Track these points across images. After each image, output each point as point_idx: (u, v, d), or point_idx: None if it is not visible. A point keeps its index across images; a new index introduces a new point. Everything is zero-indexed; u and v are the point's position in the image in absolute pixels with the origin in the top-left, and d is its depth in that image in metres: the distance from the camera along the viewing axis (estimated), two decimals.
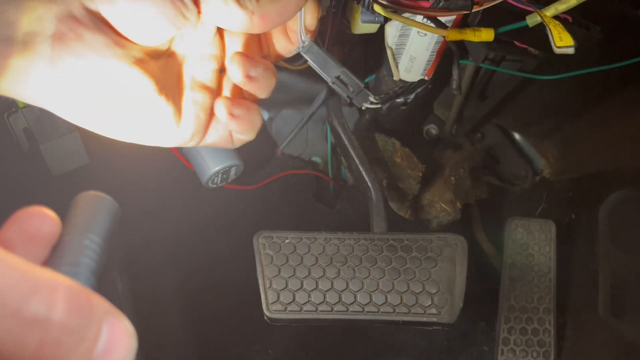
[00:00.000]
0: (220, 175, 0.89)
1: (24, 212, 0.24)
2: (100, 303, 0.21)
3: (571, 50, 0.39)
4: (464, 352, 0.97)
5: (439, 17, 0.47)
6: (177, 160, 0.97)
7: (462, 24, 0.50)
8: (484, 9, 0.54)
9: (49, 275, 0.20)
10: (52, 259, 0.24)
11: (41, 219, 0.24)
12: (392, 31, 0.69)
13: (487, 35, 0.45)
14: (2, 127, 0.83)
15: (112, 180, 1.00)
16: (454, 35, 0.44)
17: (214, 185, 0.91)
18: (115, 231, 0.27)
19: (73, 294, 0.20)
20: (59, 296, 0.20)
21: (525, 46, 0.72)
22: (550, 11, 0.42)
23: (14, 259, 0.20)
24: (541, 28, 0.41)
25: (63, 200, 0.95)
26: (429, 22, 0.47)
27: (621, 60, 0.70)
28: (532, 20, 0.42)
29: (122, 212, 0.27)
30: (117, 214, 0.27)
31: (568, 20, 0.50)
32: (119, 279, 0.95)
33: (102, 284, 0.26)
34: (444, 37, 0.44)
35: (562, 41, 0.39)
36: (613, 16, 0.69)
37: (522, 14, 0.45)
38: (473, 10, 0.43)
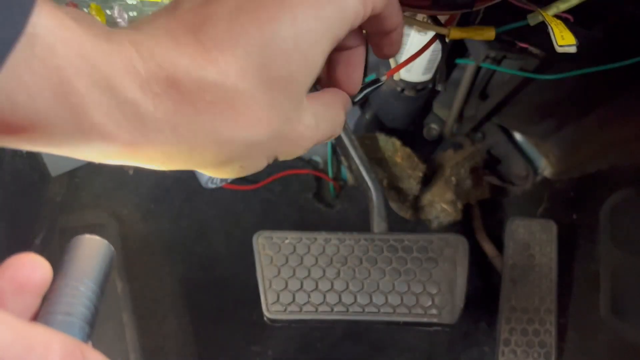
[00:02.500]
0: None
1: (14, 259, 0.23)
2: (94, 357, 0.22)
3: (573, 49, 0.39)
4: (464, 352, 0.97)
5: (438, 16, 0.47)
6: None
7: (464, 23, 0.50)
8: (485, 9, 0.54)
9: (42, 332, 0.20)
10: (46, 308, 0.24)
11: (32, 267, 0.23)
12: None
13: (488, 33, 0.45)
14: None
15: (111, 180, 1.00)
16: (456, 34, 0.44)
17: (214, 185, 0.91)
18: (109, 275, 0.26)
19: (67, 351, 0.20)
20: (53, 355, 0.20)
21: (526, 45, 0.71)
22: (552, 10, 0.42)
23: (7, 318, 0.20)
24: (542, 27, 0.41)
25: (61, 201, 0.95)
26: (429, 20, 0.47)
27: (622, 60, 0.70)
28: (533, 19, 0.42)
29: (121, 236, 0.27)
30: (112, 258, 0.27)
31: (569, 19, 0.50)
32: (118, 279, 0.95)
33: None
34: (445, 35, 0.44)
35: (564, 40, 0.38)
36: (613, 16, 0.69)
37: (524, 14, 0.45)
38: (474, 8, 0.43)
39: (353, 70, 0.35)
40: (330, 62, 0.35)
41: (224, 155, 0.29)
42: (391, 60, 0.74)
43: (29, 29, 0.22)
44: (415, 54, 0.45)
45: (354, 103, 0.36)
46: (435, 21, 0.48)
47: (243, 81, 0.27)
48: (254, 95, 0.27)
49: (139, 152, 0.27)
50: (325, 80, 0.36)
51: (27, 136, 0.24)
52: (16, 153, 0.86)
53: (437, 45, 0.68)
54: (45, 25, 0.22)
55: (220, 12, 0.27)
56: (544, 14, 0.40)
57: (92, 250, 0.26)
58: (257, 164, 0.31)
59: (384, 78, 0.38)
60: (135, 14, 0.70)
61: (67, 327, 0.23)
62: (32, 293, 0.23)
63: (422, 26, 0.46)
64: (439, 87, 0.54)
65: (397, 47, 0.36)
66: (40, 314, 0.24)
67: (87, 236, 0.26)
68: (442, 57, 0.50)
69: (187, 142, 0.27)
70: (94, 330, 0.24)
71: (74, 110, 0.24)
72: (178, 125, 0.26)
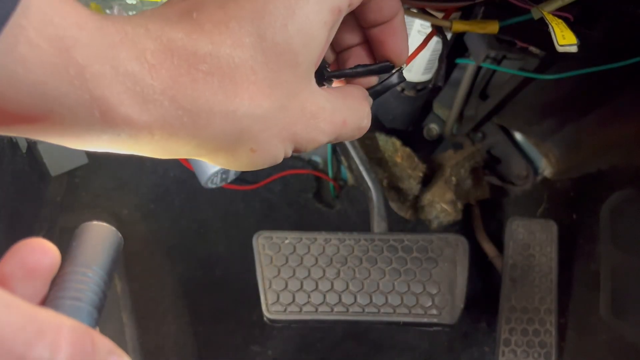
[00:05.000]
0: (219, 175, 0.89)
1: (23, 244, 0.23)
2: (103, 342, 0.22)
3: (574, 49, 0.39)
4: (465, 352, 0.97)
5: (431, 10, 0.47)
6: (176, 161, 0.97)
7: (465, 20, 0.50)
8: (485, 7, 0.54)
9: (52, 317, 0.20)
10: (55, 293, 0.24)
11: (41, 252, 0.23)
12: None
13: (492, 27, 0.44)
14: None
15: (111, 180, 1.00)
16: (459, 27, 0.44)
17: (214, 186, 0.91)
18: (117, 262, 0.26)
19: (76, 336, 0.20)
20: (62, 339, 0.20)
21: (526, 45, 0.71)
22: (557, 4, 0.42)
23: (18, 302, 0.20)
24: (543, 27, 0.41)
25: (61, 201, 0.94)
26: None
27: (622, 60, 0.70)
28: (537, 13, 0.42)
29: (124, 240, 0.27)
30: (120, 245, 0.27)
31: (569, 19, 0.50)
32: (118, 279, 0.95)
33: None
34: (448, 28, 0.44)
35: (565, 39, 0.38)
36: (614, 16, 0.68)
37: (523, 12, 0.45)
38: (477, 1, 0.43)
39: (397, 40, 0.34)
40: (374, 39, 0.34)
41: (229, 131, 0.28)
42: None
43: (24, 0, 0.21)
44: (418, 47, 0.45)
45: (374, 96, 0.35)
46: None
47: (239, 52, 0.27)
48: (252, 67, 0.27)
49: (143, 131, 0.26)
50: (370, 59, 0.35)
51: (27, 118, 0.24)
52: (16, 153, 0.86)
53: (437, 46, 0.68)
54: None
55: None
56: (544, 13, 0.40)
57: (100, 237, 0.26)
58: (271, 149, 0.29)
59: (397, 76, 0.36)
60: (134, 13, 0.70)
61: (75, 312, 0.23)
62: (41, 278, 0.23)
63: (425, 19, 0.46)
64: (439, 83, 0.54)
65: (403, 38, 0.34)
66: (49, 299, 0.24)
67: (95, 223, 0.26)
68: (442, 50, 0.50)
69: (189, 116, 0.27)
70: (101, 315, 0.25)
71: (73, 83, 0.24)
72: (176, 96, 0.26)
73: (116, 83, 0.25)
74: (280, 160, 0.30)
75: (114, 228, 0.27)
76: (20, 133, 0.25)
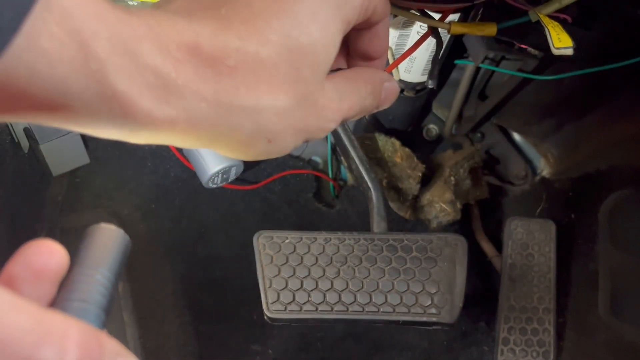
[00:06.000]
0: (220, 175, 0.89)
1: (31, 246, 0.23)
2: (111, 345, 0.22)
3: (570, 52, 0.39)
4: (463, 351, 0.97)
5: (429, 12, 0.47)
6: (177, 160, 0.97)
7: (463, 22, 0.50)
8: (483, 9, 0.54)
9: (60, 319, 0.20)
10: (62, 295, 0.24)
11: (48, 254, 0.23)
12: (392, 31, 0.69)
13: (490, 29, 0.45)
14: (3, 127, 0.83)
15: (112, 180, 1.01)
16: (457, 29, 0.44)
17: (214, 186, 0.91)
18: (125, 264, 0.27)
19: (84, 338, 0.20)
20: (70, 342, 0.20)
21: (525, 46, 0.72)
22: (554, 6, 0.42)
23: (25, 304, 0.20)
24: (541, 28, 0.41)
25: (62, 201, 0.95)
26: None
27: (621, 60, 0.70)
28: (534, 15, 0.42)
29: (131, 242, 0.27)
30: (128, 247, 0.27)
31: (567, 20, 0.50)
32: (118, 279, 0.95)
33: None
34: (447, 30, 0.44)
35: (561, 42, 0.39)
36: (613, 16, 0.69)
37: (522, 14, 0.45)
38: (476, 2, 0.43)
39: (377, 42, 0.35)
40: (358, 39, 0.35)
41: (248, 124, 0.28)
42: (390, 57, 0.74)
43: None
44: (412, 47, 0.46)
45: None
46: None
47: (265, 48, 0.28)
48: (276, 63, 0.28)
49: (164, 124, 0.26)
50: (353, 57, 0.36)
51: (47, 108, 0.24)
52: (18, 152, 0.86)
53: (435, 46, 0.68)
54: None
55: None
56: (540, 15, 0.40)
57: (108, 239, 0.26)
58: (286, 141, 0.30)
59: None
60: None
61: (83, 314, 0.23)
62: (49, 280, 0.23)
63: (424, 21, 0.46)
64: (431, 84, 0.54)
65: (384, 43, 0.36)
66: (57, 301, 0.24)
67: (103, 225, 0.26)
68: (435, 51, 0.50)
69: (211, 109, 0.27)
70: (109, 318, 0.25)
71: (94, 77, 0.24)
72: (200, 90, 0.26)
73: (137, 76, 0.25)
74: (288, 150, 0.32)
75: (122, 230, 0.27)
76: (40, 121, 0.25)
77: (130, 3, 0.79)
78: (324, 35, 0.29)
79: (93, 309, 0.24)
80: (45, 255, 0.23)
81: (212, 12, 0.28)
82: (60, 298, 0.24)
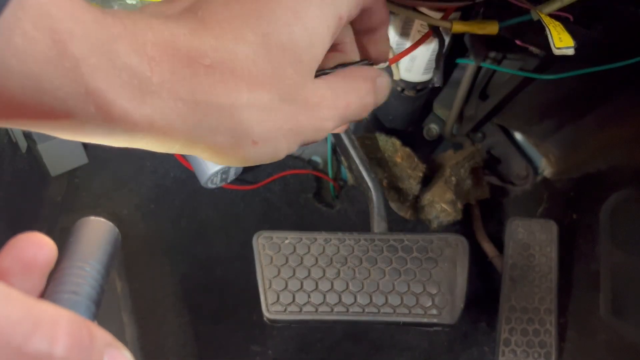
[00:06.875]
0: (219, 175, 0.89)
1: (20, 239, 0.23)
2: (101, 335, 0.22)
3: (571, 51, 0.39)
4: (464, 352, 0.97)
5: (431, 10, 0.47)
6: (177, 161, 0.97)
7: (465, 20, 0.50)
8: (484, 8, 0.54)
9: (50, 309, 0.20)
10: (52, 287, 0.24)
11: (38, 247, 0.23)
12: (392, 30, 0.69)
13: (491, 28, 0.45)
14: (0, 127, 0.82)
15: (111, 180, 1.00)
16: (458, 27, 0.44)
17: (214, 186, 0.91)
18: (115, 257, 0.26)
19: (74, 328, 0.20)
20: (60, 331, 0.20)
21: (526, 45, 0.71)
22: (556, 5, 0.42)
23: (16, 294, 0.20)
24: (542, 27, 0.41)
25: (61, 201, 0.94)
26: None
27: (623, 59, 0.70)
28: (536, 15, 0.42)
29: (121, 236, 0.27)
30: (118, 240, 0.27)
31: (569, 19, 0.50)
32: (118, 279, 0.95)
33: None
34: (448, 29, 0.44)
35: (562, 42, 0.38)
36: (613, 16, 0.69)
37: (523, 13, 0.45)
38: (477, 1, 0.43)
39: (381, 46, 0.36)
40: (358, 43, 0.36)
41: (227, 123, 0.28)
42: (389, 54, 0.74)
43: None
44: (412, 45, 0.46)
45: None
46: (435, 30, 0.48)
47: (242, 46, 0.27)
48: (254, 61, 0.28)
49: (140, 124, 0.26)
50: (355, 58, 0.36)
51: (19, 107, 0.24)
52: (16, 153, 0.85)
53: (437, 46, 0.68)
54: None
55: None
56: (541, 15, 0.40)
57: (97, 232, 0.26)
58: (273, 141, 0.30)
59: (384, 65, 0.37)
60: None
61: (73, 305, 0.24)
62: (38, 272, 0.24)
63: (425, 19, 0.46)
64: (437, 82, 0.54)
65: (383, 48, 0.36)
66: (47, 294, 0.24)
67: (92, 218, 0.27)
68: (438, 50, 0.50)
69: (188, 108, 0.27)
70: (99, 310, 0.25)
71: (68, 75, 0.23)
72: (176, 89, 0.26)
73: (113, 76, 0.24)
74: (282, 155, 0.31)
75: (110, 223, 0.27)
76: (13, 125, 0.25)
77: (130, 2, 0.79)
78: (308, 34, 0.29)
79: (83, 300, 0.24)
80: (35, 247, 0.23)
81: (189, 14, 0.28)
82: (50, 290, 0.24)
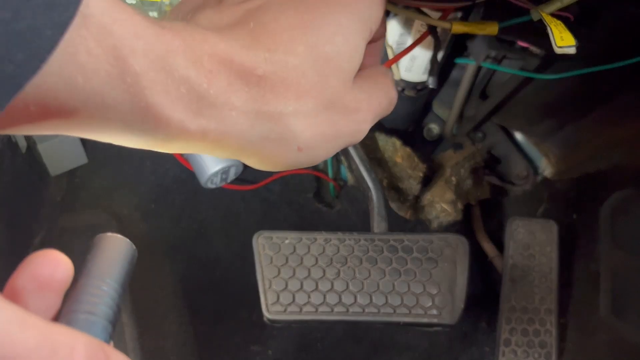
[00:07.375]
0: (219, 175, 0.89)
1: (36, 256, 0.23)
2: (117, 358, 0.22)
3: (572, 50, 0.39)
4: (464, 352, 0.97)
5: (430, 10, 0.47)
6: (177, 161, 0.97)
7: (464, 21, 0.50)
8: (485, 8, 0.54)
9: (67, 334, 0.20)
10: (69, 306, 0.24)
11: (54, 265, 0.23)
12: (392, 30, 0.69)
13: (491, 28, 0.45)
14: None
15: (111, 180, 1.00)
16: (458, 28, 0.44)
17: (214, 186, 0.91)
18: (131, 275, 0.26)
19: (91, 353, 0.20)
20: (77, 356, 0.20)
21: (527, 45, 0.71)
22: (556, 5, 0.42)
23: (32, 319, 0.19)
24: (543, 27, 0.41)
25: (61, 201, 0.94)
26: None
27: (624, 59, 0.70)
28: (536, 14, 0.42)
29: (137, 251, 0.27)
30: (134, 257, 0.27)
31: (569, 18, 0.50)
32: None
33: None
34: (448, 29, 0.44)
35: (564, 41, 0.38)
36: (616, 15, 0.68)
37: (524, 13, 0.45)
38: (477, 1, 0.43)
39: (374, 56, 0.37)
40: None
41: (276, 130, 0.29)
42: (390, 56, 0.74)
43: (83, 9, 0.21)
44: (410, 45, 0.46)
45: None
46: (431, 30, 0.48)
47: (292, 58, 0.29)
48: (303, 71, 0.29)
49: (196, 134, 0.27)
50: None
51: (82, 120, 0.24)
52: (16, 152, 0.85)
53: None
54: (99, 6, 0.23)
55: (266, 6, 0.30)
56: (543, 14, 0.40)
57: (115, 249, 0.26)
58: (317, 149, 0.31)
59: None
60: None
61: (90, 326, 0.23)
62: (54, 291, 0.23)
63: (424, 20, 0.46)
64: (431, 83, 0.54)
65: (377, 59, 0.38)
66: (63, 313, 0.23)
67: (110, 234, 0.26)
68: (434, 51, 0.50)
69: (240, 117, 0.28)
70: (115, 329, 0.24)
71: (129, 91, 0.24)
72: (231, 99, 0.27)
73: (171, 89, 0.25)
74: (320, 160, 0.33)
75: (128, 240, 0.26)
76: (76, 133, 0.26)
77: (129, 2, 0.79)
78: (348, 45, 0.31)
79: (100, 321, 0.23)
80: (51, 265, 0.23)
81: (241, 26, 0.29)
82: (66, 310, 0.24)
